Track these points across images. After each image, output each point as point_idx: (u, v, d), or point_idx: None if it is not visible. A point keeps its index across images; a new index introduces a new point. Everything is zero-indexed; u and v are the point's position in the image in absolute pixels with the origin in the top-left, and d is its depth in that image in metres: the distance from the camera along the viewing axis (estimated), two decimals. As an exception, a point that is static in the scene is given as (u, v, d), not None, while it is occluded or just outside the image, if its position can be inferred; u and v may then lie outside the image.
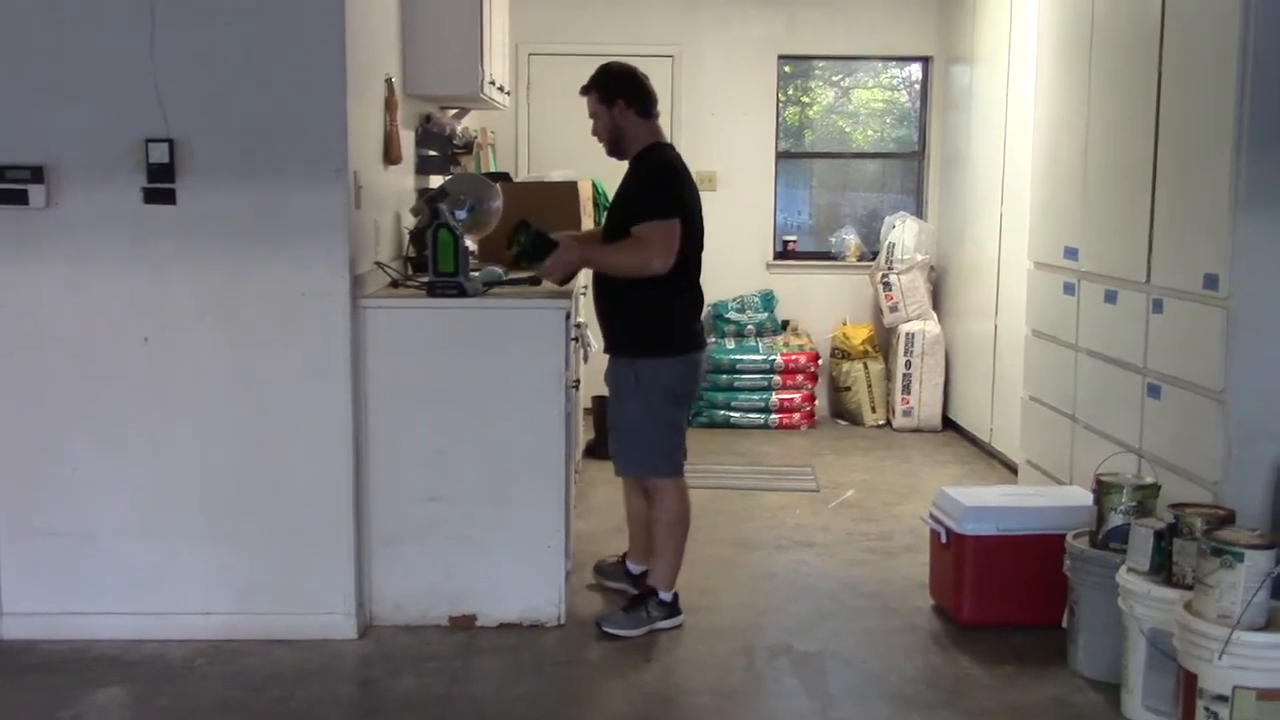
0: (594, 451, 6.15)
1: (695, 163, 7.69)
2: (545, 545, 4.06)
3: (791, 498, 5.79)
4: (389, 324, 3.99)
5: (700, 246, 4.05)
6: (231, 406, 3.88)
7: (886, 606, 4.35)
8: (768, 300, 7.58)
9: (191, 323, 3.84)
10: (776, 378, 7.28)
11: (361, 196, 4.02)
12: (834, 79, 8.01)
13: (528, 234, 3.94)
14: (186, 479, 3.90)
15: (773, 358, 7.26)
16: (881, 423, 7.43)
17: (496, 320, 4.03)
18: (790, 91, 7.92)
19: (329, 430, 3.90)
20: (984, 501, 4.12)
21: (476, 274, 4.32)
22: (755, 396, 7.28)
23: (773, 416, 7.29)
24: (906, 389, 7.30)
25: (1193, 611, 3.09)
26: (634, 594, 4.17)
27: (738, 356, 7.28)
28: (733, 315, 7.51)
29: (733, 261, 7.50)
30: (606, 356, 4.18)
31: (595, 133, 4.08)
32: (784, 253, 7.80)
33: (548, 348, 4.03)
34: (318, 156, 3.80)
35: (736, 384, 7.28)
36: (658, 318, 3.99)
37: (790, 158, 7.94)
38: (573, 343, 4.29)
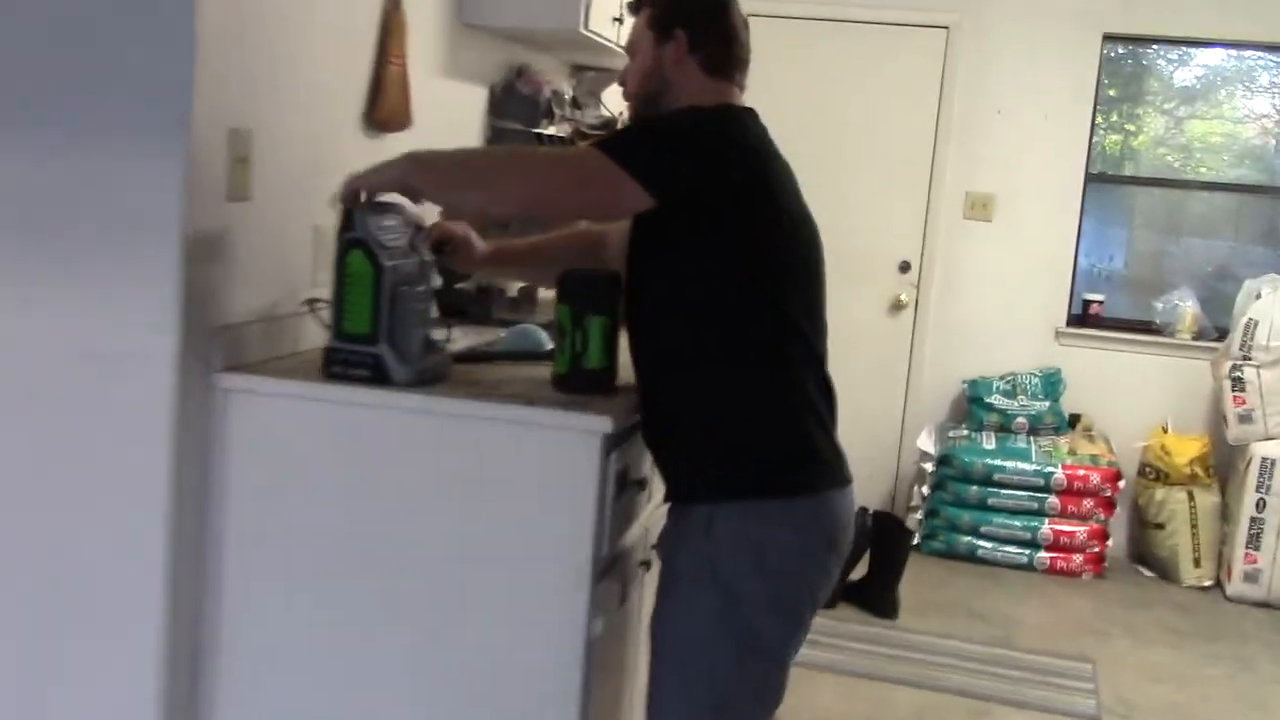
0: (854, 593, 4.43)
1: (967, 181, 5.58)
2: None
3: (1051, 729, 3.56)
4: (268, 424, 2.09)
5: (809, 284, 2.07)
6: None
7: None
8: (1052, 384, 5.33)
9: (-101, 387, 2.08)
10: (1053, 499, 5.00)
11: (252, 176, 2.13)
12: (1166, 106, 5.66)
13: None
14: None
15: (1050, 469, 4.99)
16: (1208, 583, 5.03)
17: (461, 440, 2.04)
18: (1114, 118, 5.65)
19: (132, 621, 2.05)
20: None
21: (505, 337, 2.40)
22: (1018, 522, 5.03)
23: (1041, 555, 5.02)
24: (1254, 541, 4.86)
25: None
26: None
27: (998, 461, 5.04)
28: (998, 400, 5.30)
29: (1006, 323, 5.49)
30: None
31: (621, 79, 2.23)
32: (1083, 317, 5.52)
33: (561, 505, 2.01)
34: (146, 92, 1.96)
35: (992, 501, 5.04)
36: (747, 424, 1.98)
37: (1104, 181, 5.62)
38: (636, 485, 2.27)
